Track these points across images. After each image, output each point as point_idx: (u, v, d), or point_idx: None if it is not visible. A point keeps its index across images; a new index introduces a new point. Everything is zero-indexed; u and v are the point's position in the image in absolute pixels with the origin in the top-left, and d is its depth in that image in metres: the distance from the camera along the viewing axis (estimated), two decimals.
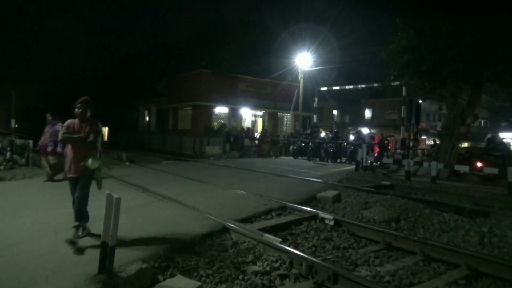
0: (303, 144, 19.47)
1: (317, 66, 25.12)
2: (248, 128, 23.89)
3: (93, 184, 4.53)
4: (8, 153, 11.68)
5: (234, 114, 27.35)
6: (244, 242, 4.72)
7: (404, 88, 17.17)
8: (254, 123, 28.79)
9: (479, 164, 12.33)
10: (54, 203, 6.36)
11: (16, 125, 16.18)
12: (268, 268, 3.93)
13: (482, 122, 39.54)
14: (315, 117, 25.58)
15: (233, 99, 26.56)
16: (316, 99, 24.83)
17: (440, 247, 4.60)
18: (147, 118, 34.48)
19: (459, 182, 11.46)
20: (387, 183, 10.40)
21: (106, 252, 3.29)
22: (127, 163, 15.18)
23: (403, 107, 17.46)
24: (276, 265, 4.03)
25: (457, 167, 11.90)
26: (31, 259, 3.69)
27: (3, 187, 7.99)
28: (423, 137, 30.86)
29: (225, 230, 5.07)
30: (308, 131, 21.63)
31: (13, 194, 7.28)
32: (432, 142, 23.01)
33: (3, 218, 5.20)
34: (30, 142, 12.43)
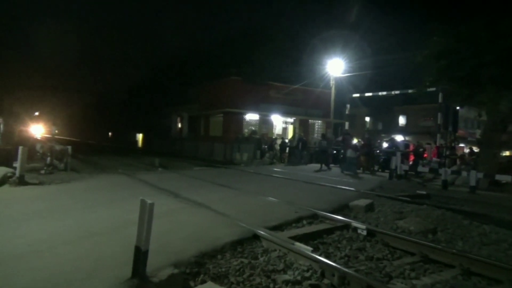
0: (335, 152, 19.17)
1: (349, 72, 24.82)
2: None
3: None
4: (48, 158, 12.21)
5: (265, 121, 27.41)
6: (275, 250, 4.68)
7: (440, 94, 16.63)
8: (285, 130, 28.71)
9: None
10: (91, 207, 6.58)
11: (56, 131, 16.92)
12: (299, 278, 3.87)
13: None
14: (347, 124, 25.20)
15: (263, 106, 26.63)
16: (348, 105, 24.50)
17: (481, 261, 4.38)
18: (179, 125, 35.17)
19: (500, 193, 10.91)
20: (423, 192, 10.04)
21: (139, 256, 3.35)
22: (159, 169, 15.51)
23: (439, 114, 16.90)
24: (307, 274, 3.96)
25: (498, 177, 11.34)
26: (68, 261, 3.81)
27: (42, 191, 8.34)
28: (461, 145, 29.67)
29: (256, 237, 5.05)
30: (340, 138, 21.29)
31: (52, 198, 7.57)
32: (469, 150, 22.08)
33: (41, 221, 5.41)
34: (69, 148, 12.96)
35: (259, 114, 26.87)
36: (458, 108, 15.31)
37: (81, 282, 3.36)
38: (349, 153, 15.27)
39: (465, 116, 32.39)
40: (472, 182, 10.74)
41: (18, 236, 4.59)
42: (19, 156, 8.74)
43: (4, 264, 3.68)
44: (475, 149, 19.46)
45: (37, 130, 26.58)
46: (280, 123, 28.66)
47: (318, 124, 30.09)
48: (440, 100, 16.73)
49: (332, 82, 24.42)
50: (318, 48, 26.67)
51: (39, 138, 20.35)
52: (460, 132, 28.60)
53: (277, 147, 22.22)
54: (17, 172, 8.75)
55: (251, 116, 26.91)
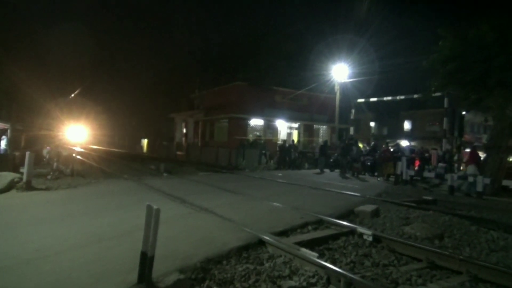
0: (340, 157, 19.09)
1: (354, 77, 24.80)
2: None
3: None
4: (55, 164, 12.30)
5: (269, 126, 27.44)
6: (280, 256, 4.66)
7: (446, 99, 16.55)
8: (289, 135, 28.72)
9: None
10: (98, 212, 6.60)
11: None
12: (305, 284, 3.85)
13: None
14: (352, 129, 25.15)
15: (268, 111, 26.67)
16: (353, 110, 24.45)
17: (489, 268, 4.34)
18: (184, 130, 35.30)
19: (507, 198, 10.82)
20: (429, 198, 9.98)
21: (146, 262, 3.35)
22: (165, 174, 15.55)
23: (445, 119, 16.81)
24: (313, 280, 3.94)
25: (506, 182, 11.25)
26: (76, 266, 3.83)
27: (49, 196, 8.39)
28: (467, 150, 29.48)
29: (261, 243, 5.03)
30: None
31: (59, 203, 7.61)
32: None
33: (49, 226, 5.44)
34: (75, 153, 13.06)
35: (264, 120, 26.91)
36: (464, 113, 15.22)
37: (88, 287, 3.38)
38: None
39: (471, 121, 32.22)
40: (479, 188, 10.66)
41: (26, 241, 4.62)
42: (26, 162, 8.81)
43: (12, 268, 3.71)
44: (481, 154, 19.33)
45: (72, 135, 25.22)
46: (285, 128, 28.68)
47: (323, 129, 30.06)
48: (445, 105, 16.64)
49: (336, 87, 24.40)
50: (324, 53, 26.69)
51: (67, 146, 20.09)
52: (466, 137, 28.42)
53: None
54: (24, 177, 8.82)
55: (256, 122, 26.95)
